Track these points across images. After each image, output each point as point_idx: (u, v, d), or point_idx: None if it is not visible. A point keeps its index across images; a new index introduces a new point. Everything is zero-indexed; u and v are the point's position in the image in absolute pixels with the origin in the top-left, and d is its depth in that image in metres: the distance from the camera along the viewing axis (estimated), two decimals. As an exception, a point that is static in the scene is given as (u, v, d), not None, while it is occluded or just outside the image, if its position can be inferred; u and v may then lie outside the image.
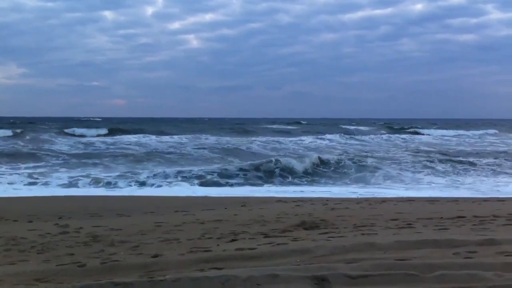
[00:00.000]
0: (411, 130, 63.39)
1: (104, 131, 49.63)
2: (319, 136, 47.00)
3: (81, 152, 30.29)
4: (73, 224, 9.12)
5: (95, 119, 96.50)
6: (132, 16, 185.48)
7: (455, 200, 13.01)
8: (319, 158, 24.33)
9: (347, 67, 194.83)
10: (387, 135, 54.34)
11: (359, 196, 14.76)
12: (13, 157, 26.23)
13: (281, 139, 43.23)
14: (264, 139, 41.97)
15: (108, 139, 40.58)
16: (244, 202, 12.71)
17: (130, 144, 36.03)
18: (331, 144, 40.26)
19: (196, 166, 23.04)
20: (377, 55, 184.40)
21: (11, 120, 72.98)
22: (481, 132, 59.51)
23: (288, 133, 55.00)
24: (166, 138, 42.83)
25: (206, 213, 10.68)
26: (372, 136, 51.04)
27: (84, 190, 17.31)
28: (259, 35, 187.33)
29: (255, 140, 39.74)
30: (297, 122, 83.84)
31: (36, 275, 5.39)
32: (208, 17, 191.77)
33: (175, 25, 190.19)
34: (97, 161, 25.60)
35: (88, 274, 5.39)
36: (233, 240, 7.11)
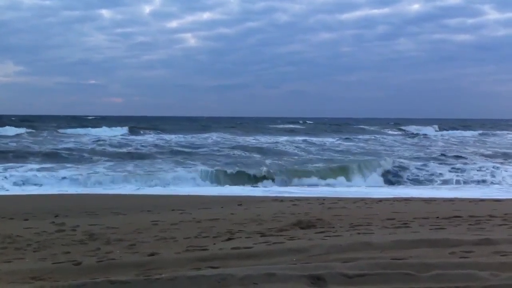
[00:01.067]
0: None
1: (124, 130, 48.66)
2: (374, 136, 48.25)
3: (156, 151, 30.78)
4: (69, 222, 9.11)
5: (96, 117, 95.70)
6: (129, 14, 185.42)
7: (451, 200, 13.04)
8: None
9: (345, 66, 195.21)
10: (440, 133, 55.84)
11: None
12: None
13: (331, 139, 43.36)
14: (318, 139, 41.96)
15: (138, 138, 40.64)
16: (240, 201, 12.70)
17: (172, 142, 36.59)
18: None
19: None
20: (375, 54, 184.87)
21: (13, 118, 72.40)
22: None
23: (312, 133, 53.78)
24: (191, 137, 42.58)
25: (202, 212, 10.68)
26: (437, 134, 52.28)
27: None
28: (257, 34, 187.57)
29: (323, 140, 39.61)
30: (296, 121, 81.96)
31: (32, 273, 5.37)
32: (206, 16, 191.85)
33: (173, 23, 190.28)
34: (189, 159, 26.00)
35: (84, 272, 5.38)
36: (229, 239, 7.11)
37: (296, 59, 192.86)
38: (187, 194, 15.71)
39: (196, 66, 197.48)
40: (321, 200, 12.63)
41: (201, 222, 8.97)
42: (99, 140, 36.20)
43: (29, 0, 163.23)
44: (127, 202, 12.93)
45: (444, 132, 59.57)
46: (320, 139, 43.72)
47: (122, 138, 39.67)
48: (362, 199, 12.99)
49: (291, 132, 55.90)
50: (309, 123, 78.17)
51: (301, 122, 78.97)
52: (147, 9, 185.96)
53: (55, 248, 6.91)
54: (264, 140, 41.58)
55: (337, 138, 44.87)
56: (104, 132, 45.80)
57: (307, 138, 44.11)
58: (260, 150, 32.67)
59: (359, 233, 7.19)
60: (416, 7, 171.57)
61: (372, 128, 64.92)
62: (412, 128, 64.72)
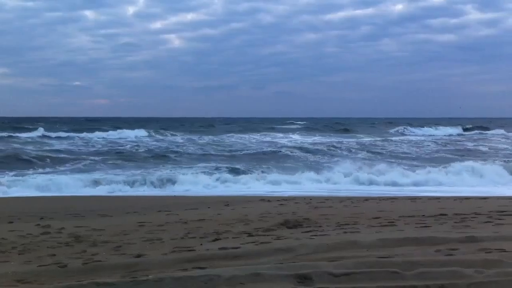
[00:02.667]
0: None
1: (142, 132, 46.32)
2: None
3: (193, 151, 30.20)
4: (54, 224, 9.04)
5: (88, 119, 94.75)
6: (113, 15, 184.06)
7: (437, 198, 13.13)
8: None
9: (330, 67, 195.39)
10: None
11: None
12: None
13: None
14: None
15: (180, 139, 39.63)
16: (227, 201, 12.70)
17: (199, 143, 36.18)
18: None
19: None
20: (359, 55, 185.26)
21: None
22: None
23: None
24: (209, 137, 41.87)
25: (189, 212, 10.65)
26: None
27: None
28: (241, 35, 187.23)
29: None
30: (288, 122, 77.57)
31: (17, 276, 5.33)
32: (190, 16, 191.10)
33: (157, 24, 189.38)
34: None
35: (70, 274, 5.34)
36: (216, 240, 7.10)
37: (281, 60, 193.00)
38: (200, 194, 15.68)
39: (181, 67, 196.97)
40: (308, 200, 12.66)
41: (188, 223, 8.95)
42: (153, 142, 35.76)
43: (12, 1, 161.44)
44: (113, 204, 12.86)
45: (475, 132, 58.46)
46: (363, 139, 42.28)
47: (161, 141, 38.30)
48: (349, 198, 13.04)
49: (307, 131, 54.60)
50: (301, 123, 74.32)
51: (300, 122, 75.81)
52: (130, 10, 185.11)
53: (41, 250, 6.86)
54: (302, 140, 40.68)
55: (382, 139, 43.33)
56: (127, 134, 43.94)
57: (344, 139, 42.11)
58: (330, 151, 30.58)
59: (345, 232, 7.22)
60: (399, 7, 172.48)
61: (392, 131, 60.15)
62: (448, 129, 61.88)
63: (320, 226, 7.97)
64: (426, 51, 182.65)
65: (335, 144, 34.80)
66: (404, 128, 61.68)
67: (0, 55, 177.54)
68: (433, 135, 53.04)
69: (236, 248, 6.24)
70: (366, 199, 12.98)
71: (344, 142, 36.88)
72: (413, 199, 12.88)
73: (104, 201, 13.92)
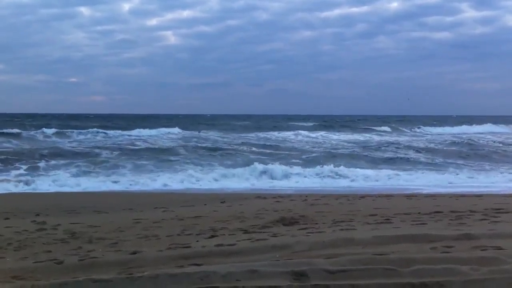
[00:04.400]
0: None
1: (176, 130, 44.90)
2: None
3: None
4: (50, 221, 9.02)
5: (88, 115, 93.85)
6: (108, 12, 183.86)
7: (433, 195, 13.16)
8: None
9: (326, 64, 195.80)
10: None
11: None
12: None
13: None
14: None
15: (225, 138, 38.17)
16: (223, 198, 12.70)
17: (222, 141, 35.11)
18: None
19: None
20: (355, 52, 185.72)
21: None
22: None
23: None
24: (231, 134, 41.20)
25: (185, 209, 10.65)
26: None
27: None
28: (237, 32, 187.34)
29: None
30: (299, 119, 75.54)
31: (13, 273, 5.32)
32: (186, 13, 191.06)
33: (153, 21, 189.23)
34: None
35: (66, 271, 5.34)
36: (212, 236, 7.11)
37: (277, 57, 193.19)
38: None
39: (177, 64, 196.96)
40: (304, 197, 12.67)
41: (184, 219, 8.95)
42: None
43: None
44: (109, 201, 12.85)
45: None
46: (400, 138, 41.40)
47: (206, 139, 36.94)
48: (345, 196, 13.05)
49: (326, 128, 53.02)
50: (311, 121, 70.59)
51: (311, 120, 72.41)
52: (126, 6, 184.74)
53: (36, 247, 6.85)
54: (348, 138, 40.02)
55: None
56: (163, 131, 42.24)
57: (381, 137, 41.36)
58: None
59: (341, 229, 7.23)
60: (395, 5, 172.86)
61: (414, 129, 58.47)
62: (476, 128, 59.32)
63: (316, 223, 7.98)
64: (422, 49, 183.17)
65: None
66: (418, 127, 59.57)
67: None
68: (467, 133, 49.44)
69: (232, 245, 6.24)
70: (362, 196, 12.99)
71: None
72: (409, 196, 12.90)
73: (100, 197, 13.90)
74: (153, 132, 41.96)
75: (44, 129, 39.56)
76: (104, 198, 13.74)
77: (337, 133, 46.30)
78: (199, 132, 43.86)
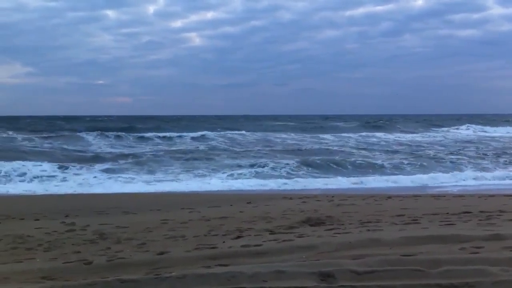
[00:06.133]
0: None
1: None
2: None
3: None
4: (79, 222, 9.15)
5: (110, 117, 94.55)
6: (134, 15, 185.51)
7: (461, 195, 12.98)
8: None
9: (351, 63, 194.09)
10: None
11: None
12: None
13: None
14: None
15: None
16: (249, 199, 12.71)
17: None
18: None
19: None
20: (380, 51, 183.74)
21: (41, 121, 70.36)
22: None
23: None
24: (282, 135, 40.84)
25: (211, 210, 10.69)
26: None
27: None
28: (261, 33, 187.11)
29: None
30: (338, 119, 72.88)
31: (42, 273, 5.41)
32: (210, 15, 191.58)
33: (178, 23, 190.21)
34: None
35: (95, 271, 5.41)
36: (238, 237, 7.12)
37: (301, 57, 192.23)
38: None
39: (202, 65, 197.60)
40: (330, 197, 12.62)
41: (210, 220, 8.99)
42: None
43: (35, 2, 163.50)
44: (136, 201, 12.98)
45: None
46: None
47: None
48: (372, 196, 12.95)
49: (377, 129, 51.12)
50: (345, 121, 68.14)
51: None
52: (151, 9, 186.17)
53: (66, 247, 6.95)
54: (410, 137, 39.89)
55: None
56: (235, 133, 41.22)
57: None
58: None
59: (368, 230, 7.18)
60: (420, 3, 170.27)
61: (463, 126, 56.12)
62: None
63: (342, 224, 7.94)
64: (448, 47, 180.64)
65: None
66: (468, 126, 56.57)
67: (25, 55, 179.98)
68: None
69: (259, 245, 6.24)
70: (389, 196, 12.88)
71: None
72: (437, 197, 12.75)
73: (128, 198, 14.04)
74: (228, 134, 40.57)
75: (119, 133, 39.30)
76: (132, 199, 13.87)
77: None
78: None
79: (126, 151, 28.90)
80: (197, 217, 9.45)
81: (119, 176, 19.28)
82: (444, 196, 12.77)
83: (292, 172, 20.42)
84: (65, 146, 30.61)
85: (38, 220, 9.73)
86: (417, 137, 41.87)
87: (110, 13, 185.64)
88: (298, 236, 6.89)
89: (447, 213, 8.71)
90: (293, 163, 21.66)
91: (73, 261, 5.94)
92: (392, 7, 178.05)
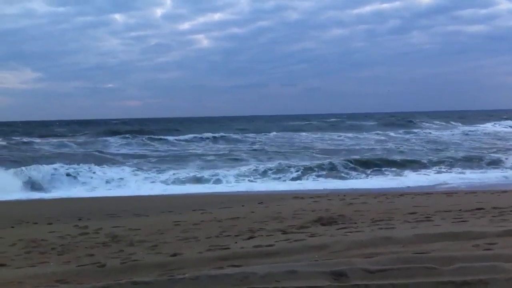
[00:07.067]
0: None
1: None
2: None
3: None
4: (92, 225, 9.20)
5: (121, 120, 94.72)
6: (141, 18, 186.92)
7: (474, 192, 12.91)
8: None
9: (359, 62, 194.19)
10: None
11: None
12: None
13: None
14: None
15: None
16: (261, 199, 12.72)
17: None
18: None
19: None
20: (388, 48, 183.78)
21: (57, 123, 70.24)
22: None
23: None
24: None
25: (223, 211, 10.71)
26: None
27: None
28: (268, 33, 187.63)
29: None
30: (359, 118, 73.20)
31: (56, 276, 5.44)
32: (217, 16, 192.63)
33: (185, 25, 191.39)
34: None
35: (108, 274, 5.43)
36: (250, 238, 7.13)
37: (309, 57, 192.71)
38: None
39: (210, 66, 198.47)
40: (342, 196, 12.59)
41: (222, 221, 9.00)
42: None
43: (43, 7, 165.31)
44: (148, 204, 13.03)
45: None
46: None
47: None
48: (384, 194, 12.92)
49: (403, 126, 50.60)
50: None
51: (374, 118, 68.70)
52: (158, 12, 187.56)
53: (79, 251, 6.99)
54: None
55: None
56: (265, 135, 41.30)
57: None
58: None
59: (380, 228, 7.16)
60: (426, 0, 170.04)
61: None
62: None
63: (354, 223, 7.92)
64: (456, 43, 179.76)
65: None
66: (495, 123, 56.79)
67: (34, 60, 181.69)
68: None
69: (271, 245, 6.24)
70: (401, 194, 12.84)
71: None
72: (449, 193, 12.68)
73: (139, 201, 14.10)
74: (264, 136, 40.49)
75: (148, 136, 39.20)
76: (144, 201, 13.93)
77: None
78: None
79: (184, 152, 29.55)
80: (209, 218, 9.46)
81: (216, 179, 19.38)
82: (456, 193, 12.70)
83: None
84: (109, 150, 30.81)
85: (51, 224, 9.80)
86: (466, 131, 42.25)
87: (118, 17, 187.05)
88: (310, 235, 6.88)
89: (460, 210, 8.66)
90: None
91: (86, 264, 5.97)
92: (399, 4, 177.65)
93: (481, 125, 53.18)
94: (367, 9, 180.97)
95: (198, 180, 19.12)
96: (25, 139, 37.46)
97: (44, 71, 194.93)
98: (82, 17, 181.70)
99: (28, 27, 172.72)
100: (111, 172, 20.53)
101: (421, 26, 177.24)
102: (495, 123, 56.10)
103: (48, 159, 24.09)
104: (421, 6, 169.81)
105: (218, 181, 18.90)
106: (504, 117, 67.89)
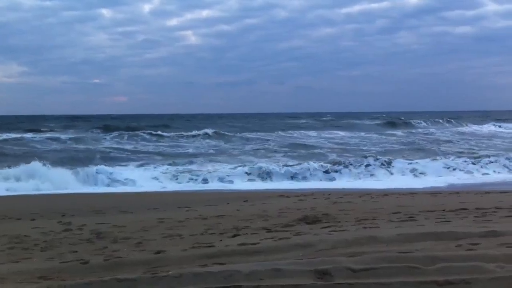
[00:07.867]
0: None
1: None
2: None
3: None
4: (76, 221, 9.14)
5: (116, 116, 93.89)
6: (129, 13, 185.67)
7: (457, 192, 13.01)
8: None
9: (347, 61, 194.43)
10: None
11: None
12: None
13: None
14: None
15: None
16: (246, 197, 12.72)
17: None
18: None
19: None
20: (376, 48, 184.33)
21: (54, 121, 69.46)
22: None
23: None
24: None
25: (208, 208, 10.70)
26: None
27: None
28: (257, 31, 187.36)
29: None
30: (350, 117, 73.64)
31: (39, 273, 5.41)
32: (205, 13, 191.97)
33: (173, 21, 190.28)
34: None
35: (92, 271, 5.41)
36: (235, 235, 7.13)
37: (298, 55, 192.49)
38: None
39: (198, 63, 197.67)
40: (327, 195, 12.64)
41: (207, 219, 8.99)
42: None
43: (29, 1, 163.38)
44: (133, 201, 12.98)
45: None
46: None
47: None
48: (368, 193, 12.98)
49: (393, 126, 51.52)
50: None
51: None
52: (146, 8, 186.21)
53: (63, 247, 6.95)
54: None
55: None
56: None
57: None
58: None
59: (365, 227, 7.19)
60: (415, 0, 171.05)
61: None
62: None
63: (339, 222, 7.95)
64: (444, 43, 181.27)
65: None
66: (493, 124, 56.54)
67: (20, 54, 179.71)
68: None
69: (255, 244, 6.25)
70: (386, 194, 12.91)
71: None
72: (434, 193, 12.78)
73: (124, 198, 14.04)
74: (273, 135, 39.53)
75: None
76: (129, 198, 13.88)
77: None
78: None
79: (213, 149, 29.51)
80: (194, 216, 9.45)
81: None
82: (441, 193, 12.80)
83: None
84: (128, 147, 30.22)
85: (34, 220, 9.72)
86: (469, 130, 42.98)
87: (105, 12, 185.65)
88: (295, 234, 6.90)
89: (443, 210, 8.73)
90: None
91: (70, 260, 5.94)
92: (387, 4, 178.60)
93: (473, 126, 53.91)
94: (356, 8, 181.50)
95: (185, 178, 19.01)
96: (13, 135, 36.65)
97: (31, 65, 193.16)
98: (69, 12, 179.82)
99: (15, 20, 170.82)
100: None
101: (409, 26, 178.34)
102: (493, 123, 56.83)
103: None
104: (409, 6, 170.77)
105: (204, 181, 18.82)
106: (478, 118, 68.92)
